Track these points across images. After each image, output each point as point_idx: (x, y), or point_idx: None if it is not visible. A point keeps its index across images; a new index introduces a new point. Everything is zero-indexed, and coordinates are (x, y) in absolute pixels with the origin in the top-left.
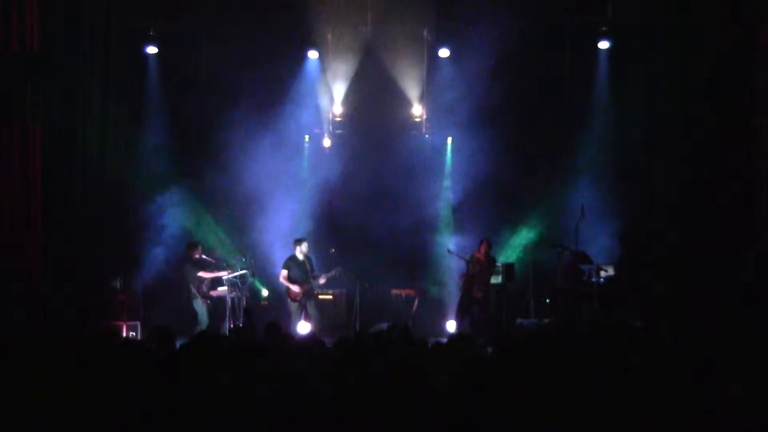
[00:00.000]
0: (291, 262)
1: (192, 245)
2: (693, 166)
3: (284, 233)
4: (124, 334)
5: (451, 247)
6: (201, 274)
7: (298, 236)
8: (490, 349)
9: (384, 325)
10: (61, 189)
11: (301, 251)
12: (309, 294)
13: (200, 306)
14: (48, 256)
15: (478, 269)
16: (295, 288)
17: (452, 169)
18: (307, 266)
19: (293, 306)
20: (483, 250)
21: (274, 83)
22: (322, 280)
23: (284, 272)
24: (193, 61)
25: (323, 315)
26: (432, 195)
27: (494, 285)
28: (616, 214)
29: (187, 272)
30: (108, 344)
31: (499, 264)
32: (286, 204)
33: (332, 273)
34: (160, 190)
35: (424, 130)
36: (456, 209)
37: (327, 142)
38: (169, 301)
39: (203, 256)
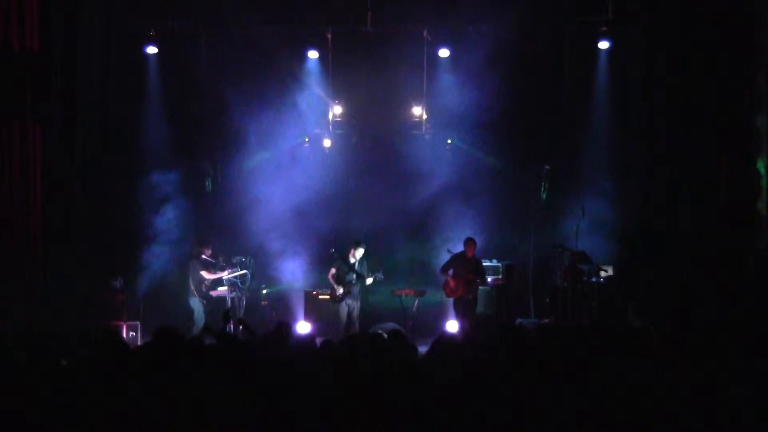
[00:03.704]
0: (341, 262)
1: (202, 243)
2: (693, 166)
3: (284, 233)
4: (124, 334)
5: (450, 247)
6: (204, 273)
7: (359, 238)
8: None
9: (390, 325)
10: (61, 189)
11: (353, 254)
12: (353, 295)
13: (197, 304)
14: (48, 255)
15: (465, 270)
16: (340, 289)
17: (452, 168)
18: (356, 269)
19: (336, 308)
20: (471, 249)
21: (274, 83)
22: (369, 281)
23: (332, 271)
24: (193, 61)
25: (322, 315)
26: (431, 195)
27: (494, 285)
28: (615, 214)
29: (192, 269)
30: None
31: (498, 264)
32: (286, 204)
33: (376, 275)
34: (159, 189)
35: (424, 130)
36: (455, 209)
37: (327, 143)
38: (169, 302)
39: (207, 257)
